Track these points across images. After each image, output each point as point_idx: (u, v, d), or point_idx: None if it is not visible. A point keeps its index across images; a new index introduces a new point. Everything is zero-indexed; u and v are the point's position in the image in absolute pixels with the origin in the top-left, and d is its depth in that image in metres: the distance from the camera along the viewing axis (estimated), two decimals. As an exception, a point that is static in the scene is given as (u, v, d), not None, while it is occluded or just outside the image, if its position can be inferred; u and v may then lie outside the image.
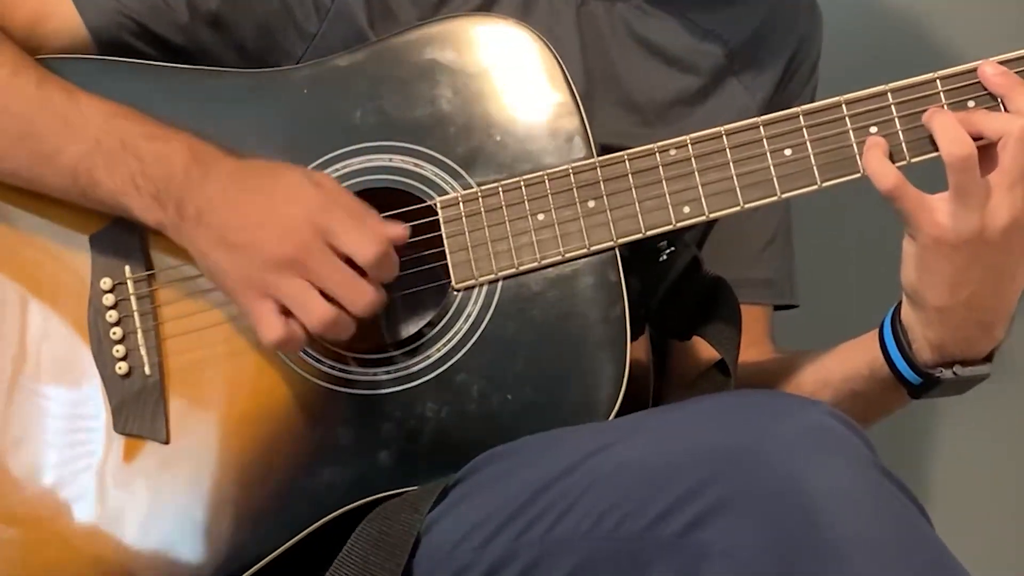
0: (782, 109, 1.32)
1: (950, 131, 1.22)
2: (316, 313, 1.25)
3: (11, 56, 1.37)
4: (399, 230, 1.27)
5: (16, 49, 1.39)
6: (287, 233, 1.26)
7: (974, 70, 1.26)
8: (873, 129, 1.26)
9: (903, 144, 1.26)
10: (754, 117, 1.40)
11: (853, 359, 1.38)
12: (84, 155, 1.33)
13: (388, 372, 1.32)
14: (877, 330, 1.34)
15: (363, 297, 1.26)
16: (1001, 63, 1.26)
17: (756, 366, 1.49)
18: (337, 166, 1.35)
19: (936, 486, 1.93)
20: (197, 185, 1.29)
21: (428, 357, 1.31)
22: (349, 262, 1.26)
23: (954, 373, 1.30)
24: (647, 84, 1.45)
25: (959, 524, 1.85)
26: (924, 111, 1.25)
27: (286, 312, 1.26)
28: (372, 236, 1.26)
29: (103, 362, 1.36)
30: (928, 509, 1.15)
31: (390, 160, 1.34)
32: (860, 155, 1.27)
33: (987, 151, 1.22)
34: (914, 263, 1.26)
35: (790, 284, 1.56)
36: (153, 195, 1.31)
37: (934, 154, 1.26)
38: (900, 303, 1.32)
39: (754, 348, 1.51)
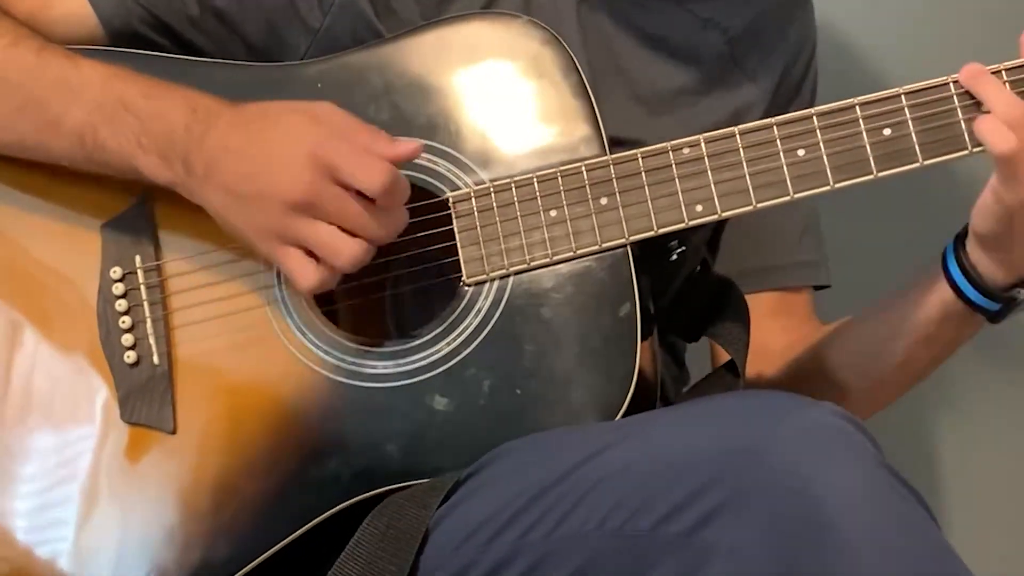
0: (787, 96, 1.35)
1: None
2: (345, 253, 1.26)
3: (10, 27, 1.38)
4: (411, 146, 1.28)
5: (16, 22, 1.39)
6: (292, 176, 1.26)
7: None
8: (887, 131, 1.27)
9: (916, 147, 1.27)
10: (758, 105, 1.43)
11: (919, 307, 1.37)
12: (87, 117, 1.33)
13: (397, 365, 1.32)
14: (938, 272, 1.34)
15: (380, 230, 1.26)
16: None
17: (813, 347, 1.49)
18: (350, 160, 1.35)
19: (942, 486, 1.94)
20: (199, 140, 1.29)
21: (438, 351, 1.31)
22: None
23: None
24: (651, 76, 1.45)
25: (964, 524, 1.87)
26: (937, 112, 1.27)
27: (312, 254, 1.27)
28: (376, 165, 1.25)
29: (111, 351, 1.35)
30: (933, 509, 1.15)
31: None
32: (873, 157, 1.27)
33: None
34: (997, 217, 1.27)
35: (827, 264, 1.57)
36: (159, 154, 1.31)
37: (946, 157, 1.27)
38: (956, 242, 1.33)
39: (806, 327, 1.53)
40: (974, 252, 1.31)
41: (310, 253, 1.27)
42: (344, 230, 1.26)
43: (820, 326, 1.54)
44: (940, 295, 1.35)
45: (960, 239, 1.33)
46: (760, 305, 1.51)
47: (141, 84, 1.33)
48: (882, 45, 1.86)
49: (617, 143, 1.36)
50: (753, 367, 1.49)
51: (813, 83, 1.54)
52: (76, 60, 1.35)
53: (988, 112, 1.26)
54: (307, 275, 1.27)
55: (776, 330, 1.52)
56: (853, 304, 1.47)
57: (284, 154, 1.27)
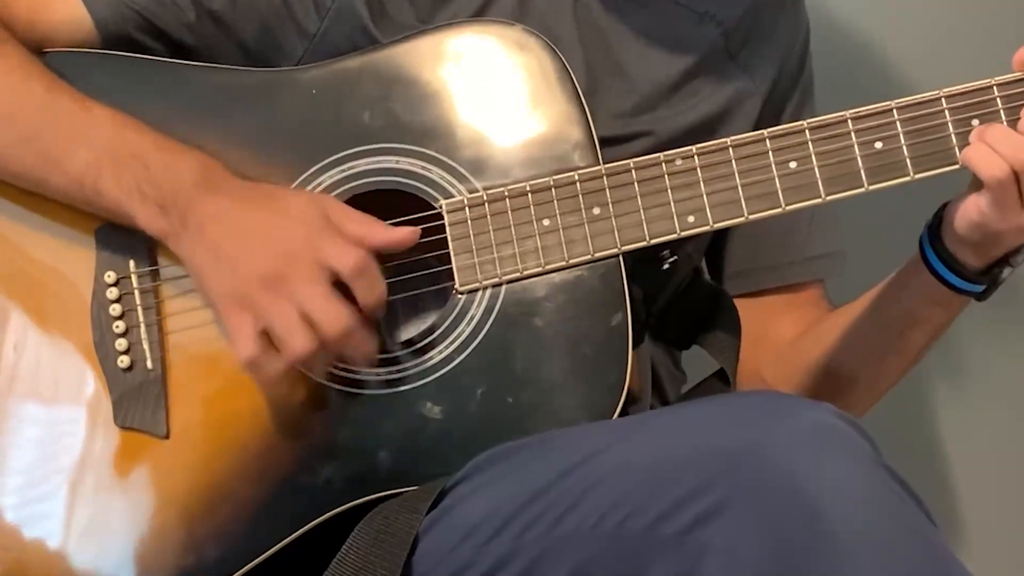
0: (785, 89, 1.38)
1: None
2: (295, 343, 1.26)
3: (19, 61, 1.38)
4: (405, 233, 1.29)
5: (23, 52, 1.39)
6: (284, 253, 1.27)
7: (979, 89, 1.28)
8: (878, 145, 1.28)
9: (907, 160, 1.28)
10: (755, 97, 1.45)
11: (906, 295, 1.40)
12: (92, 162, 1.33)
13: (390, 372, 1.32)
14: (918, 261, 1.36)
15: (337, 322, 1.26)
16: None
17: (817, 339, 1.50)
18: (344, 167, 1.35)
19: (940, 485, 1.95)
20: (205, 198, 1.30)
21: (430, 358, 1.32)
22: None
23: (1012, 267, 1.33)
24: (649, 71, 1.45)
25: (962, 524, 1.87)
26: (928, 127, 1.28)
27: (265, 333, 1.27)
28: (351, 247, 1.27)
29: (105, 355, 1.36)
30: (933, 508, 1.15)
31: (397, 162, 1.35)
32: (864, 170, 1.28)
33: None
34: (983, 232, 1.29)
35: (840, 253, 1.57)
36: (158, 203, 1.31)
37: (937, 171, 1.28)
38: (931, 232, 1.34)
39: (816, 314, 1.53)
40: (951, 243, 1.33)
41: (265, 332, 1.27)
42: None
43: (828, 312, 1.54)
44: (923, 282, 1.36)
45: (933, 228, 1.34)
46: (771, 302, 1.54)
47: (153, 136, 1.34)
48: (882, 50, 1.87)
49: (616, 140, 1.38)
50: (765, 359, 1.51)
51: (809, 77, 1.55)
52: (86, 104, 1.35)
53: (978, 128, 1.27)
54: (248, 344, 1.27)
55: (787, 324, 1.53)
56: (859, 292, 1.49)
57: (287, 232, 1.28)
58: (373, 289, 1.28)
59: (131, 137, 1.33)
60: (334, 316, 1.26)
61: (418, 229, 1.30)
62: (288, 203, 1.30)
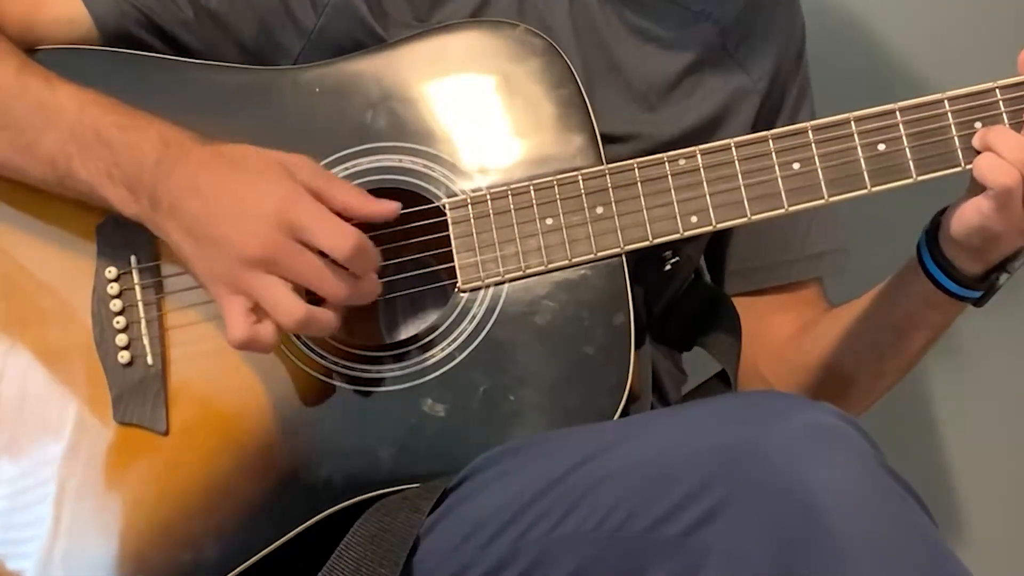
0: (783, 85, 1.38)
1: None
2: (289, 311, 1.25)
3: None
4: (388, 207, 1.27)
5: (0, 37, 1.38)
6: (255, 229, 1.24)
7: (982, 92, 1.28)
8: (881, 147, 1.28)
9: (910, 162, 1.28)
10: (753, 94, 1.45)
11: (903, 299, 1.40)
12: (60, 144, 1.32)
13: (391, 370, 1.32)
14: (915, 266, 1.36)
15: (341, 290, 1.25)
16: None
17: (815, 337, 1.50)
18: (347, 165, 1.35)
19: (940, 485, 1.95)
20: (167, 175, 1.28)
21: (432, 356, 1.32)
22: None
23: (1009, 273, 1.33)
24: (645, 70, 1.45)
25: (962, 524, 1.87)
26: (931, 129, 1.28)
27: (259, 310, 1.26)
28: (343, 230, 1.24)
29: (105, 351, 1.36)
30: (934, 509, 1.15)
31: (400, 161, 1.35)
32: (867, 172, 1.29)
33: None
34: (983, 236, 1.29)
35: (841, 250, 1.56)
36: (127, 186, 1.30)
37: (940, 173, 1.28)
38: (928, 238, 1.34)
39: (814, 313, 1.53)
40: (949, 249, 1.33)
41: (258, 309, 1.26)
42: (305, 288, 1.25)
43: (826, 311, 1.54)
44: (921, 287, 1.36)
45: (931, 234, 1.34)
46: (769, 299, 1.54)
47: (116, 114, 1.32)
48: (885, 52, 1.87)
49: (614, 139, 1.37)
50: (762, 357, 1.51)
51: (806, 74, 1.55)
52: (53, 83, 1.34)
53: (982, 129, 1.27)
54: (237, 326, 1.25)
55: (784, 321, 1.54)
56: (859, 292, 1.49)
57: (249, 206, 1.25)
58: (369, 262, 1.27)
59: (94, 116, 1.32)
60: (339, 288, 1.25)
61: (398, 203, 1.29)
62: (252, 166, 1.27)
